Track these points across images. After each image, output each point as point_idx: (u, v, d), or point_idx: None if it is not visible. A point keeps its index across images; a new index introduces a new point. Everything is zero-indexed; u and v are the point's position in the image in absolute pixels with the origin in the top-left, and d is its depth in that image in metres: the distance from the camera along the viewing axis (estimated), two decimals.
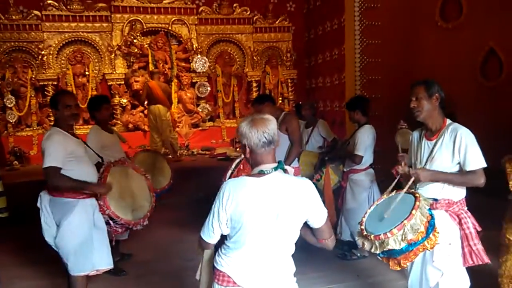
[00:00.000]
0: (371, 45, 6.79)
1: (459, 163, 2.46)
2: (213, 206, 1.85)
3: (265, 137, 1.81)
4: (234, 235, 1.85)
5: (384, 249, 2.27)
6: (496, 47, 5.19)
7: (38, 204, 3.07)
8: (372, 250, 2.33)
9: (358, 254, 4.33)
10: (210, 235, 1.88)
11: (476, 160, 2.41)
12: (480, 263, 2.45)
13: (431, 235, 2.25)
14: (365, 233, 2.34)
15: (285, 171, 1.89)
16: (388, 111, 6.17)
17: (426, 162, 2.54)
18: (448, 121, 2.57)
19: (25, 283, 3.97)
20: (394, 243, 2.21)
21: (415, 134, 2.76)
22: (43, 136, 3.12)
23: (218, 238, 1.91)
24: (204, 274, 2.13)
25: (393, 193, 2.53)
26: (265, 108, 4.01)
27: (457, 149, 2.43)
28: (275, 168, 1.85)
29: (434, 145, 2.52)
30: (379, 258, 2.41)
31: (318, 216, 1.88)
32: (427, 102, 2.53)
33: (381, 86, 6.67)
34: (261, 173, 1.83)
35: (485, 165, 2.42)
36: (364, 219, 2.42)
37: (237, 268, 1.85)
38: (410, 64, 6.02)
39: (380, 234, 2.24)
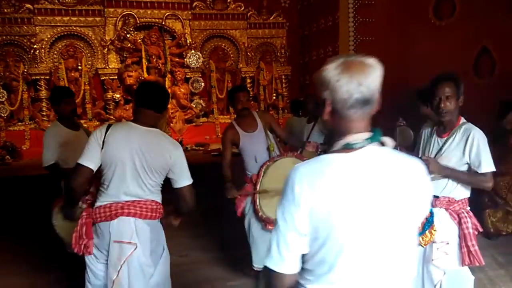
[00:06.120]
0: (365, 42, 6.81)
1: (467, 163, 2.40)
2: (280, 211, 1.18)
3: (361, 91, 1.18)
4: (316, 253, 1.16)
5: None
6: (489, 45, 5.24)
7: None
8: None
9: None
10: (284, 258, 1.16)
11: (487, 164, 2.34)
12: (477, 264, 2.39)
13: (427, 232, 2.21)
14: None
15: (382, 144, 1.23)
16: (382, 108, 6.18)
17: (434, 158, 2.46)
18: (462, 119, 2.48)
19: (12, 280, 3.94)
20: None
21: (426, 130, 2.66)
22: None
23: (297, 263, 1.19)
24: None
25: None
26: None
27: (468, 150, 2.36)
28: (371, 140, 1.19)
29: (445, 142, 2.45)
30: None
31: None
32: (455, 102, 2.37)
33: None
34: (349, 148, 1.18)
35: (494, 169, 2.36)
36: None
37: None
38: (404, 61, 6.05)
39: None
